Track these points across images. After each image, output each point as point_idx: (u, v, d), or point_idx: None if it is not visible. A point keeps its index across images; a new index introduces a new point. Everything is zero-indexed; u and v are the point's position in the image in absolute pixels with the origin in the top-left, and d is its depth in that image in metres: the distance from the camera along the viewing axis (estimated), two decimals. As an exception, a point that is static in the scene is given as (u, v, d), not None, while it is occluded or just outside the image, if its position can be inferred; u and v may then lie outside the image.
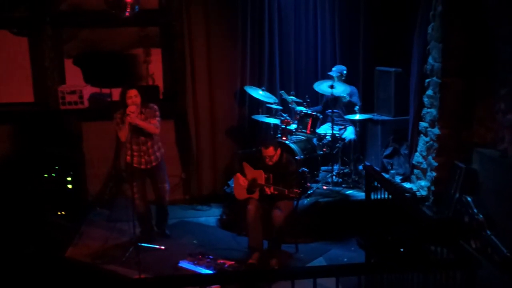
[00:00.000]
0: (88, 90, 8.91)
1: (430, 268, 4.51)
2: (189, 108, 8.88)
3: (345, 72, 8.57)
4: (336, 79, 8.31)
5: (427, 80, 7.98)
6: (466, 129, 7.68)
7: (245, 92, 8.72)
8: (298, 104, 8.51)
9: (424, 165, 8.06)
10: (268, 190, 6.81)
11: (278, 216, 6.75)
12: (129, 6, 7.73)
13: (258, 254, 6.87)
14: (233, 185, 7.38)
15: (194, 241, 7.50)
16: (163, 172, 7.44)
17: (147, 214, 7.47)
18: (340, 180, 8.29)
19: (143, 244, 7.12)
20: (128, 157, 7.22)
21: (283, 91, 8.62)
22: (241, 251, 7.15)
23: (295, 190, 6.69)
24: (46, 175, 8.07)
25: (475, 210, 6.86)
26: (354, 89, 8.68)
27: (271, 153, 6.86)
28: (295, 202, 7.11)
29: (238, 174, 7.12)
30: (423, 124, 8.11)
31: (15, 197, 7.87)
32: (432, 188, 7.85)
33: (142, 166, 7.23)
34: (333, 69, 8.56)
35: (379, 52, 9.04)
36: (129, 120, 6.90)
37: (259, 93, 8.46)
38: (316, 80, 8.95)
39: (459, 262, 4.26)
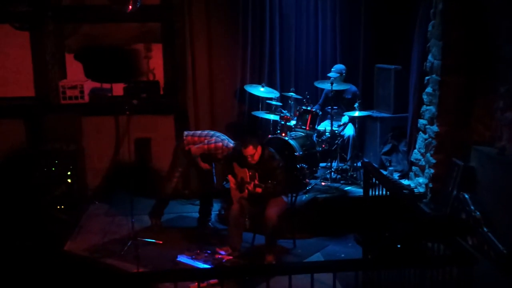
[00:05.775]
0: (89, 85, 8.94)
1: (427, 264, 4.54)
2: (189, 104, 8.90)
3: (344, 71, 8.60)
4: (336, 79, 8.33)
5: (427, 78, 8.00)
6: (464, 126, 7.70)
7: (245, 88, 8.74)
8: (298, 101, 8.55)
9: (423, 162, 8.08)
10: (251, 188, 6.79)
11: (270, 214, 6.75)
12: (131, 1, 7.76)
13: (232, 252, 6.92)
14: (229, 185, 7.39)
15: (193, 236, 7.53)
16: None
17: (168, 200, 7.76)
18: (339, 176, 8.32)
19: (142, 238, 7.17)
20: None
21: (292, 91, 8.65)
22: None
23: (270, 183, 6.67)
24: (45, 169, 8.09)
25: (472, 207, 6.88)
26: (354, 87, 8.73)
27: (251, 152, 6.86)
28: (289, 198, 7.13)
29: (230, 176, 7.16)
30: (422, 122, 8.13)
31: (15, 191, 7.90)
32: (430, 185, 7.87)
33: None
34: (332, 69, 8.60)
35: (379, 49, 9.06)
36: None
37: (259, 90, 8.49)
38: (316, 77, 9.02)
39: (456, 259, 4.27)
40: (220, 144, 7.44)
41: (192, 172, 7.90)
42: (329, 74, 8.51)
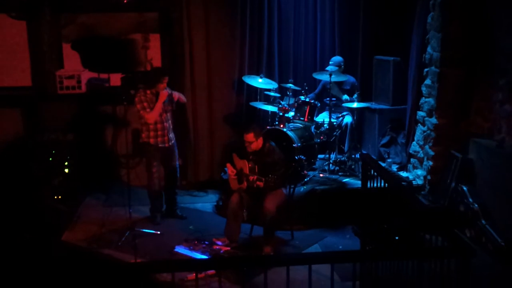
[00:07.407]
0: (86, 75, 8.90)
1: (424, 256, 4.53)
2: (186, 94, 8.85)
3: (342, 63, 8.57)
4: (334, 72, 8.29)
5: (426, 70, 7.98)
6: (463, 119, 7.70)
7: (243, 79, 8.71)
8: (296, 92, 8.52)
9: (421, 154, 8.07)
10: (251, 182, 6.76)
11: (269, 206, 6.73)
12: (129, -9, 7.74)
13: (230, 243, 6.92)
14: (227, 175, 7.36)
15: (190, 227, 7.51)
16: (176, 151, 7.70)
17: (161, 193, 7.70)
18: (337, 168, 8.31)
19: (139, 229, 7.15)
20: (146, 137, 7.42)
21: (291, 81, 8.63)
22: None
23: (270, 177, 6.64)
24: (43, 160, 8.07)
25: (471, 200, 6.88)
26: (352, 78, 8.71)
27: (251, 139, 6.83)
28: (287, 190, 7.11)
29: (228, 164, 7.13)
30: (420, 114, 8.12)
31: (12, 181, 7.87)
32: (428, 177, 7.86)
33: (160, 145, 7.46)
34: (330, 62, 8.55)
35: (378, 41, 9.04)
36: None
37: (258, 81, 8.45)
38: (315, 68, 8.98)
39: (454, 251, 4.27)
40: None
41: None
42: (327, 68, 8.47)
